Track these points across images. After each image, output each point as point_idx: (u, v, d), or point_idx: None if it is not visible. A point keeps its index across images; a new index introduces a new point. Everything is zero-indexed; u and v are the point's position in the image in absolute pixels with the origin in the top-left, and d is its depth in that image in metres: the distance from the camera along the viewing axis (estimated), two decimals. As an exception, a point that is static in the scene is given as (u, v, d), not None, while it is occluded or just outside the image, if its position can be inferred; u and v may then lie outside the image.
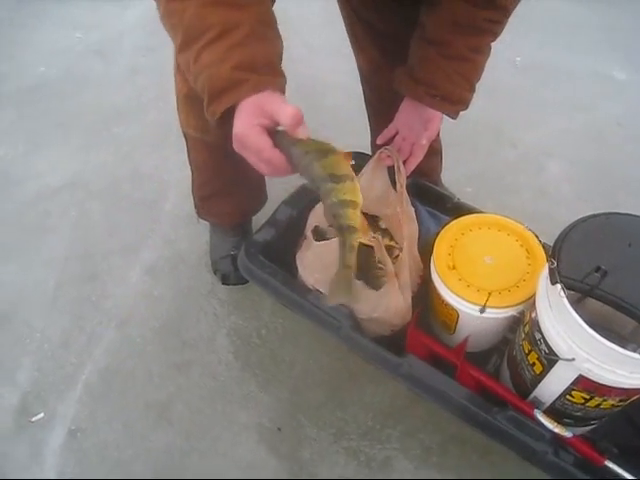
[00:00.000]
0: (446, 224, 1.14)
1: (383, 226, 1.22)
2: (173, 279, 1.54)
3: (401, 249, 1.11)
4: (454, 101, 1.07)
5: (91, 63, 2.28)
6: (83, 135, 1.97)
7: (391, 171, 1.17)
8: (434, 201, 1.29)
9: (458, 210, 1.21)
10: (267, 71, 0.78)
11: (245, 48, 0.77)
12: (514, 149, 1.87)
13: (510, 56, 2.18)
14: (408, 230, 1.11)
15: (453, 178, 1.52)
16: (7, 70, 2.26)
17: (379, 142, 1.19)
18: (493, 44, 1.03)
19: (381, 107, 1.33)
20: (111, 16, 2.51)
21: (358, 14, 1.20)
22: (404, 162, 1.15)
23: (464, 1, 0.98)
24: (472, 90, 1.09)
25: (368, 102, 1.42)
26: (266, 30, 0.82)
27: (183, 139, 1.35)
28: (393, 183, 1.18)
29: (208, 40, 0.77)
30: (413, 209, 1.17)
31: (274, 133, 0.78)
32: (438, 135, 1.33)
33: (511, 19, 0.99)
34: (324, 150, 0.78)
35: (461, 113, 1.10)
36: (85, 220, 1.69)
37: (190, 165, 1.38)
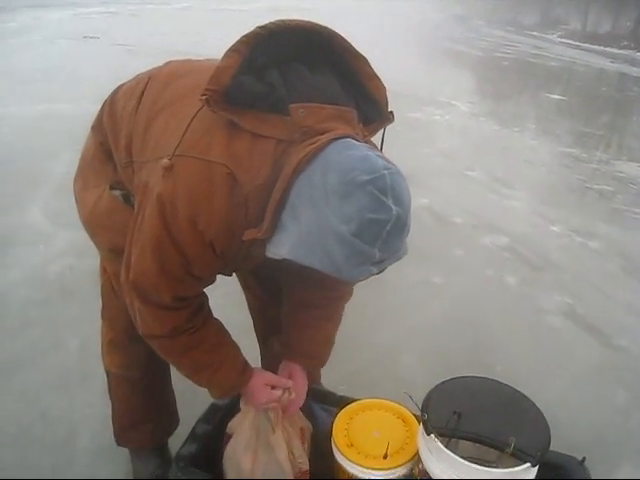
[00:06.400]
0: (337, 413, 1.43)
1: None
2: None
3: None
4: (313, 357, 1.45)
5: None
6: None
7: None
8: (322, 398, 1.60)
9: (342, 401, 1.50)
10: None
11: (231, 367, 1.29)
12: (370, 350, 2.31)
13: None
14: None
15: (330, 380, 1.81)
16: None
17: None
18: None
19: (270, 337, 1.63)
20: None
21: None
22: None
23: (312, 284, 1.34)
24: (327, 348, 1.46)
25: (258, 332, 1.75)
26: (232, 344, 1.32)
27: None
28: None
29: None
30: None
31: None
32: None
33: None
34: None
35: None
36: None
37: (111, 398, 1.63)
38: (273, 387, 1.33)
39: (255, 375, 1.33)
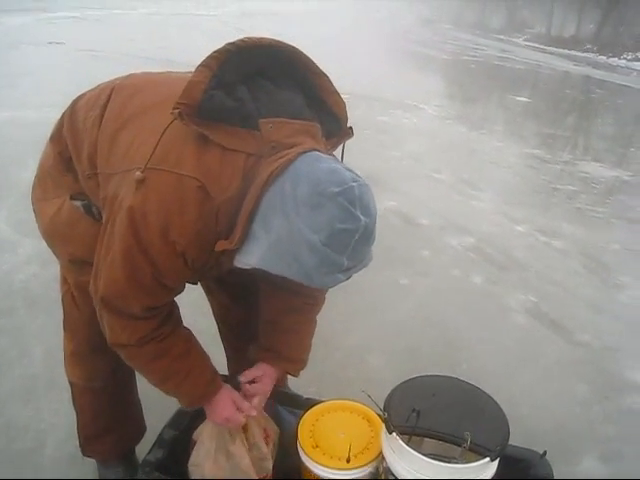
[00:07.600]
0: (302, 415, 1.44)
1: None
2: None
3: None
4: (295, 360, 1.46)
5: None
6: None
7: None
8: (288, 401, 1.60)
9: (308, 404, 1.50)
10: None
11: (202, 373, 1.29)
12: (339, 351, 2.35)
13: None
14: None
15: (300, 382, 1.72)
16: None
17: (243, 380, 1.40)
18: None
19: (235, 341, 1.71)
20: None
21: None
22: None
23: (287, 292, 1.36)
24: (306, 351, 1.48)
25: (223, 337, 1.77)
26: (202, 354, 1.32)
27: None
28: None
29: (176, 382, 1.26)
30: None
31: None
32: None
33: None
34: None
35: None
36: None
37: (75, 409, 1.62)
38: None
39: (224, 389, 1.33)
